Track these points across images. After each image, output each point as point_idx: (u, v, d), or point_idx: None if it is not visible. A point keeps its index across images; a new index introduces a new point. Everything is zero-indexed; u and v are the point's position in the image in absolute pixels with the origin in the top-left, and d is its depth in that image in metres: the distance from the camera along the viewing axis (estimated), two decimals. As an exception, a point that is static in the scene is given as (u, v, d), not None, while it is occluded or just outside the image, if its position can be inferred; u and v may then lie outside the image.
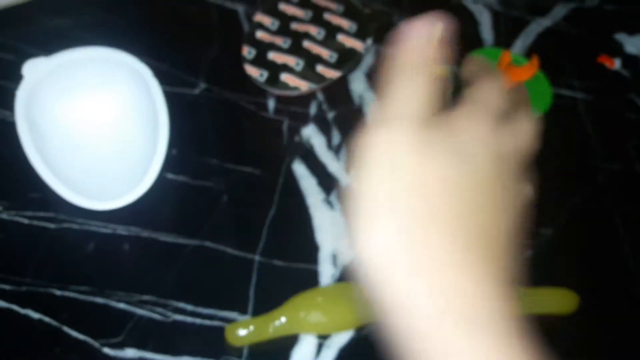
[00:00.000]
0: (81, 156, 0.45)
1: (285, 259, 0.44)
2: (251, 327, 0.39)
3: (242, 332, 0.38)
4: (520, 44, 0.60)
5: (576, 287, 0.42)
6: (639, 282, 0.46)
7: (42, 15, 0.55)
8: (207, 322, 0.40)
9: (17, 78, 0.46)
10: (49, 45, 0.52)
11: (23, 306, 0.40)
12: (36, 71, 0.44)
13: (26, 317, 0.40)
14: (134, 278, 0.42)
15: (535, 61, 0.53)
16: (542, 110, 0.54)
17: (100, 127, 0.46)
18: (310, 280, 0.43)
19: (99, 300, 0.41)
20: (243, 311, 0.41)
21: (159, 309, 0.41)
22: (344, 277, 0.44)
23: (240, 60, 0.53)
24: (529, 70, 0.53)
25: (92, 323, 0.40)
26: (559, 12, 0.63)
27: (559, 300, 0.42)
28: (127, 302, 0.41)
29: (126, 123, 0.46)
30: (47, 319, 0.40)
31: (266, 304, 0.41)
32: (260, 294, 0.42)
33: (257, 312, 0.41)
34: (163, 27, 0.56)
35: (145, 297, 0.41)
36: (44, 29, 0.54)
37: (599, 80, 0.58)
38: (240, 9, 0.58)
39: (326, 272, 0.43)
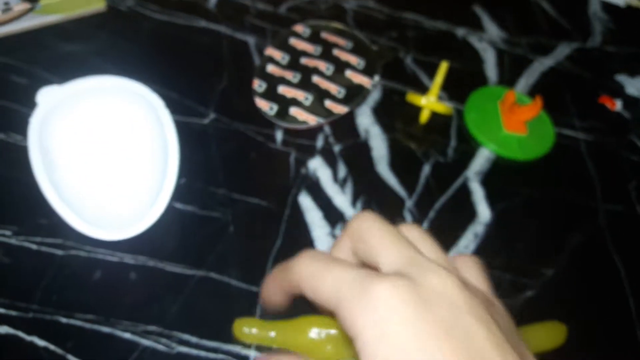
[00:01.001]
0: (91, 184, 0.45)
1: (290, 293, 0.44)
2: (254, 330, 0.37)
3: (246, 330, 0.37)
4: (524, 82, 0.61)
5: (576, 327, 0.42)
6: (639, 322, 0.47)
7: (55, 41, 0.56)
8: (212, 355, 0.41)
9: (29, 102, 0.47)
10: (62, 70, 0.53)
11: (29, 333, 0.40)
12: (50, 99, 0.45)
13: (32, 344, 0.40)
14: (140, 308, 0.42)
15: (538, 101, 0.54)
16: (544, 150, 0.55)
17: (111, 156, 0.47)
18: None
19: (105, 329, 0.41)
20: (247, 345, 0.41)
21: (164, 340, 0.41)
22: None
23: (250, 91, 0.54)
24: (533, 109, 0.55)
25: (97, 352, 0.40)
26: (561, 51, 0.64)
27: (548, 335, 0.42)
28: (133, 332, 0.41)
29: (137, 153, 0.47)
30: (52, 347, 0.40)
31: (270, 338, 0.42)
32: (265, 327, 0.42)
33: (261, 348, 0.41)
34: (174, 56, 0.57)
35: (151, 328, 0.41)
36: (56, 54, 0.55)
37: (600, 121, 0.59)
38: (251, 40, 0.59)
39: (330, 307, 0.44)
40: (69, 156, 0.45)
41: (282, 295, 0.30)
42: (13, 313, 0.41)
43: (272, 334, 0.36)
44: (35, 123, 0.44)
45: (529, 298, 0.46)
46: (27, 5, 0.56)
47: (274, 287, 0.31)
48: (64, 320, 0.41)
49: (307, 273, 0.27)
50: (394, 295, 0.24)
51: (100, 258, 0.44)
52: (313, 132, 0.53)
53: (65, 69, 0.53)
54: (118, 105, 0.47)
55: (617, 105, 0.61)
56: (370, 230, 0.28)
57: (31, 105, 0.46)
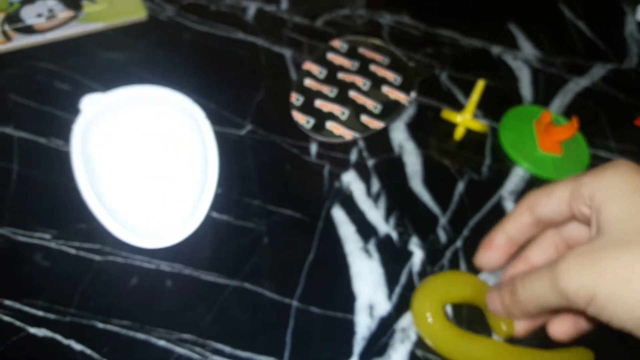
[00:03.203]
0: (130, 191, 0.46)
1: (322, 307, 0.44)
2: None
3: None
4: (559, 102, 0.61)
5: (603, 354, 0.42)
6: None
7: (97, 48, 0.57)
8: (245, 365, 0.41)
9: (70, 108, 0.48)
10: (103, 78, 0.54)
11: (66, 337, 0.41)
12: (93, 106, 0.46)
13: (69, 348, 0.40)
14: (175, 315, 0.42)
15: (575, 122, 0.54)
16: (579, 171, 0.55)
17: (152, 165, 0.47)
18: (346, 330, 0.43)
19: (140, 335, 0.41)
20: (279, 357, 0.41)
21: (198, 349, 0.41)
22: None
23: (286, 103, 0.54)
24: (569, 130, 0.54)
25: (132, 358, 0.40)
26: (597, 72, 0.64)
27: None
28: (167, 340, 0.41)
29: (177, 162, 0.47)
30: (89, 351, 0.40)
31: (302, 352, 0.42)
32: (297, 340, 0.42)
33: (293, 359, 0.41)
34: (212, 67, 0.58)
35: (185, 336, 0.42)
36: (98, 62, 0.56)
37: (636, 144, 0.59)
38: (287, 53, 0.59)
39: (362, 323, 0.44)
40: (109, 163, 0.46)
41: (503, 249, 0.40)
42: (51, 316, 0.41)
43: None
44: (79, 130, 0.45)
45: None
46: (70, 13, 0.57)
47: (494, 245, 0.40)
48: (100, 325, 0.41)
49: (537, 194, 0.37)
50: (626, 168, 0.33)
51: (137, 265, 0.44)
52: (347, 145, 0.54)
53: (107, 77, 0.54)
54: (160, 114, 0.48)
55: (654, 128, 0.60)
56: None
57: (73, 111, 0.46)
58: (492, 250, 0.40)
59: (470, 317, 0.45)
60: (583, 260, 0.32)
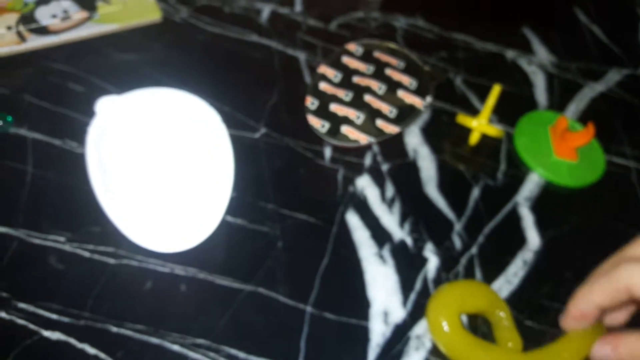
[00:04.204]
0: (145, 194, 0.46)
1: (336, 313, 0.44)
2: None
3: None
4: (574, 108, 0.60)
5: None
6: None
7: (112, 50, 0.57)
8: (259, 371, 0.41)
9: (85, 109, 0.48)
10: (117, 79, 0.54)
11: (80, 340, 0.40)
12: (108, 108, 0.46)
13: (83, 352, 0.40)
14: (189, 320, 0.42)
15: (591, 128, 0.53)
16: (595, 178, 0.54)
17: (167, 168, 0.47)
18: (360, 337, 0.43)
19: (154, 340, 0.41)
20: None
21: (212, 354, 0.41)
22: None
23: (300, 106, 0.54)
24: (585, 136, 0.54)
25: (146, 363, 0.40)
26: (612, 77, 0.63)
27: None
28: (181, 345, 0.41)
29: (192, 166, 0.47)
30: (102, 355, 0.40)
31: (317, 358, 0.41)
32: (312, 346, 0.42)
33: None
34: (226, 69, 0.58)
35: (199, 341, 0.41)
36: (112, 63, 0.56)
37: (651, 150, 0.58)
38: (302, 56, 0.59)
39: (377, 330, 0.43)
40: (124, 166, 0.46)
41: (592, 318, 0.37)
42: (65, 320, 0.41)
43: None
44: (94, 132, 0.45)
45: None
46: (85, 14, 0.57)
47: (584, 316, 0.37)
48: (114, 329, 0.41)
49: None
50: None
51: (152, 268, 0.44)
52: (361, 150, 0.53)
53: (121, 78, 0.53)
54: (175, 118, 0.48)
55: (670, 134, 0.59)
56: None
57: (87, 112, 0.46)
58: (584, 319, 0.38)
59: (486, 326, 0.44)
60: None
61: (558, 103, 0.60)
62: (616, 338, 0.36)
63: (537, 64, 0.63)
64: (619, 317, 0.39)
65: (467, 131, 0.55)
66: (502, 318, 0.43)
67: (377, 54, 0.58)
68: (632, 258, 0.36)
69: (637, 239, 0.37)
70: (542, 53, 0.65)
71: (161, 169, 0.47)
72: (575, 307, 0.38)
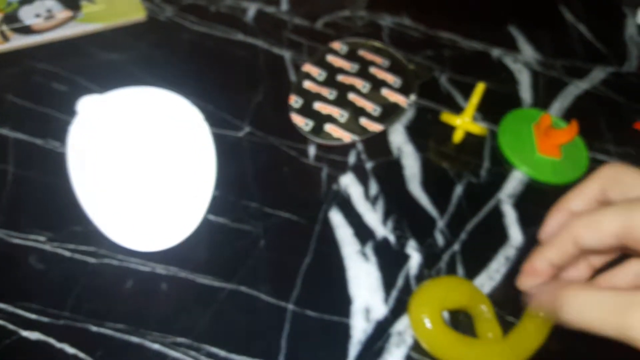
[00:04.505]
0: (127, 194, 0.46)
1: (318, 310, 0.44)
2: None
3: None
4: (558, 105, 0.60)
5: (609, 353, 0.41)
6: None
7: (95, 49, 0.57)
8: (239, 369, 0.41)
9: (67, 109, 0.48)
10: (101, 79, 0.53)
11: (60, 340, 0.40)
12: (90, 108, 0.46)
13: (62, 352, 0.40)
14: (170, 319, 0.42)
15: (574, 125, 0.54)
16: (578, 175, 0.55)
17: (148, 167, 0.47)
18: (341, 334, 0.43)
19: (134, 339, 0.41)
20: (275, 360, 0.41)
21: (192, 353, 0.41)
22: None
23: (285, 105, 0.54)
24: (568, 133, 0.54)
25: (126, 362, 0.40)
26: (597, 75, 0.64)
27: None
28: (162, 343, 0.41)
29: (174, 164, 0.47)
30: (82, 355, 0.40)
31: (298, 356, 0.42)
32: (293, 344, 0.42)
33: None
34: (211, 68, 0.58)
35: (179, 340, 0.41)
36: (96, 63, 0.56)
37: (635, 147, 0.58)
38: (287, 55, 0.59)
39: (358, 327, 0.43)
40: (106, 165, 0.46)
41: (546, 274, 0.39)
42: (45, 319, 0.41)
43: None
44: (75, 131, 0.45)
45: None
46: (69, 14, 0.57)
47: (537, 271, 0.39)
48: (94, 328, 0.41)
49: (583, 226, 0.35)
50: None
51: (132, 267, 0.44)
52: (345, 148, 0.53)
53: (105, 78, 0.53)
54: (157, 116, 0.47)
55: (653, 131, 0.60)
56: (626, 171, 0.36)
57: (70, 112, 0.46)
58: (536, 276, 0.39)
59: (467, 320, 0.44)
60: None
61: (543, 101, 0.61)
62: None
63: (523, 62, 0.63)
64: (579, 273, 0.40)
65: (451, 129, 0.55)
66: (483, 311, 0.43)
67: (362, 53, 0.58)
68: (576, 213, 0.38)
69: (576, 187, 0.39)
70: (527, 51, 0.65)
71: (143, 168, 0.47)
72: (529, 264, 0.39)
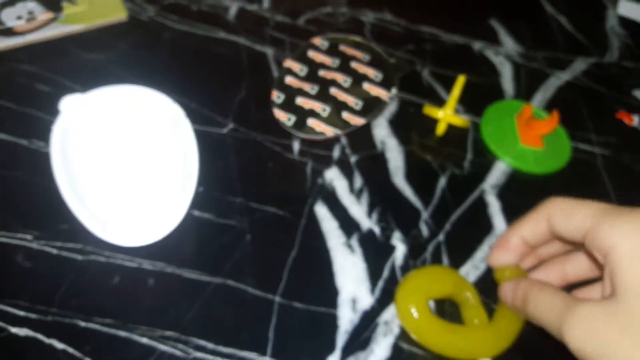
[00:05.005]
0: (111, 191, 0.46)
1: (305, 302, 0.44)
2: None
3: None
4: (540, 97, 0.61)
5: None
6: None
7: (78, 50, 0.57)
8: (227, 361, 0.41)
9: (51, 109, 0.48)
10: (83, 78, 0.54)
11: (48, 336, 0.41)
12: (73, 107, 0.46)
13: (51, 347, 0.40)
14: (157, 313, 0.42)
15: (555, 116, 0.54)
16: (561, 164, 0.55)
17: (132, 164, 0.47)
18: (328, 324, 0.43)
19: (122, 333, 0.41)
20: (262, 352, 0.41)
21: (181, 346, 0.41)
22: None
23: (268, 101, 0.55)
24: (549, 124, 0.55)
25: (114, 356, 0.40)
26: (578, 66, 0.64)
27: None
28: (150, 337, 0.41)
29: (157, 161, 0.47)
30: (70, 350, 0.40)
31: (285, 347, 0.42)
32: (280, 335, 0.42)
33: (276, 355, 0.41)
34: (194, 66, 0.58)
35: (168, 333, 0.42)
36: (79, 63, 0.56)
37: (617, 136, 0.59)
38: (270, 52, 0.60)
39: (345, 317, 0.44)
40: (90, 163, 0.46)
41: (517, 250, 0.40)
42: (33, 316, 0.41)
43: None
44: (58, 130, 0.45)
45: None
46: (50, 15, 0.57)
47: (509, 246, 0.40)
48: (82, 324, 0.41)
49: (559, 208, 0.36)
50: None
51: (119, 263, 0.44)
52: (330, 143, 0.54)
53: (87, 78, 0.54)
54: (140, 114, 0.48)
55: (635, 120, 0.60)
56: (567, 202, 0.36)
57: (53, 112, 0.46)
58: (507, 251, 0.40)
59: (453, 308, 0.45)
60: (592, 324, 0.31)
61: (525, 92, 0.61)
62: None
63: (504, 55, 0.64)
64: (550, 280, 0.40)
65: (434, 122, 0.56)
66: (469, 298, 0.43)
67: (343, 48, 0.58)
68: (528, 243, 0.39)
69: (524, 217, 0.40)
70: (508, 44, 0.65)
71: (126, 165, 0.47)
72: (502, 238, 0.40)
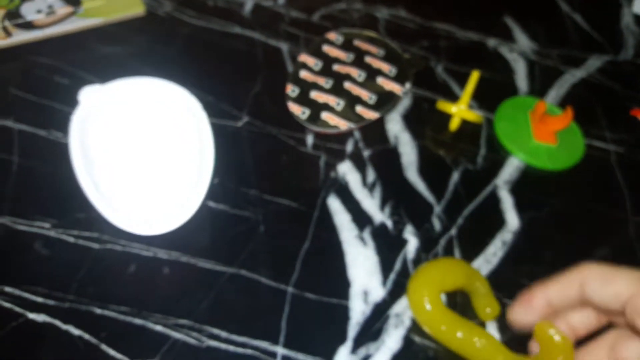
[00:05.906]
0: (128, 181, 0.47)
1: (317, 293, 0.45)
2: None
3: None
4: (554, 94, 0.61)
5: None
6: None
7: (96, 43, 0.58)
8: (240, 350, 0.41)
9: (70, 101, 0.49)
10: (102, 72, 0.54)
11: (65, 322, 0.41)
12: (91, 98, 0.47)
13: (67, 333, 0.41)
14: (172, 302, 0.43)
15: (569, 112, 0.54)
16: (574, 161, 0.55)
17: (149, 155, 0.48)
18: (340, 316, 0.44)
19: (137, 321, 0.42)
20: (274, 342, 0.42)
21: (194, 334, 0.42)
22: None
23: (282, 95, 0.55)
24: (563, 120, 0.55)
25: (129, 343, 0.41)
26: (593, 64, 0.64)
27: None
28: (164, 325, 0.42)
29: (174, 152, 0.48)
30: (87, 336, 0.41)
31: (297, 337, 0.42)
32: (292, 326, 0.43)
33: (288, 344, 0.42)
34: (210, 61, 0.58)
35: (182, 321, 0.42)
36: (97, 56, 0.57)
37: (631, 134, 0.59)
38: (284, 47, 0.60)
39: (357, 309, 0.44)
40: (108, 153, 0.47)
41: (540, 311, 0.37)
42: (50, 302, 0.42)
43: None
44: (77, 121, 0.46)
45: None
46: (69, 9, 0.58)
47: (533, 304, 0.37)
48: (98, 311, 0.42)
49: (596, 274, 0.34)
50: None
51: (135, 252, 0.45)
52: (343, 136, 0.54)
53: (106, 71, 0.54)
54: (157, 106, 0.48)
55: (649, 118, 0.60)
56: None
57: (72, 104, 0.47)
58: (530, 309, 0.37)
59: (464, 302, 0.45)
60: None
61: (539, 89, 0.61)
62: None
63: (518, 52, 0.64)
64: (581, 323, 0.38)
65: (447, 117, 0.56)
66: (479, 287, 0.44)
67: (357, 43, 0.59)
68: (553, 306, 0.36)
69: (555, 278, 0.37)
70: (523, 41, 0.65)
71: (143, 156, 0.48)
72: (528, 294, 0.37)
